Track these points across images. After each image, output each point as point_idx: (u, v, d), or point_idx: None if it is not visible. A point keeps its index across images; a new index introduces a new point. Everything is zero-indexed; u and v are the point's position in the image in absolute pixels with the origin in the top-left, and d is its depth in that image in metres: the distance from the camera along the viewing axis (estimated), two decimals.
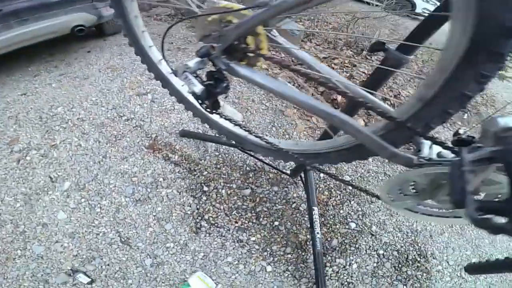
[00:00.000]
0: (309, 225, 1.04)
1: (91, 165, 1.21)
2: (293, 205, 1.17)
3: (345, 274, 0.99)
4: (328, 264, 1.00)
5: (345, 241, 1.07)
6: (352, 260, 1.03)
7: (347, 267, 1.00)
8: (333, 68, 1.68)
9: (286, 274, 0.97)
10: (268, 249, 1.03)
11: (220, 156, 1.29)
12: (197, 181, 1.19)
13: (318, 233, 0.97)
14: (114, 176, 1.17)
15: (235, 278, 0.95)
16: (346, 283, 0.97)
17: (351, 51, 1.97)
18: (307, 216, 1.11)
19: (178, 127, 1.41)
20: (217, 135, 1.29)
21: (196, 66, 0.56)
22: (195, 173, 1.22)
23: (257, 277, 0.96)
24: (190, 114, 1.44)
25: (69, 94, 1.59)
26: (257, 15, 0.49)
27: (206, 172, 1.22)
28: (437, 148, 0.45)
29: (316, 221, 0.99)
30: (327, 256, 1.03)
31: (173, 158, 1.26)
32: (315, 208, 1.02)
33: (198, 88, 0.54)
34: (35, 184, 1.12)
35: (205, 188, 1.17)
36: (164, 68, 0.92)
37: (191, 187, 1.17)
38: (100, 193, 1.11)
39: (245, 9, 0.52)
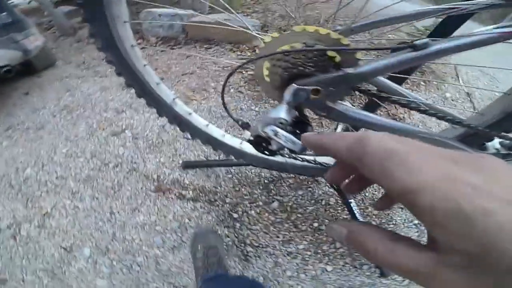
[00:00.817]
0: (345, 216, 1.17)
1: (101, 226, 1.16)
2: (323, 203, 1.26)
3: None
4: None
5: (382, 220, 1.21)
6: None
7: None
8: None
9: (347, 267, 1.08)
10: (319, 251, 1.12)
11: (234, 177, 1.32)
12: (223, 210, 1.21)
13: (358, 214, 1.10)
14: (134, 231, 1.14)
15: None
16: None
17: None
18: (339, 209, 1.22)
19: (177, 160, 1.39)
20: (221, 157, 1.34)
21: (289, 117, 0.47)
22: (217, 203, 1.24)
23: (322, 279, 1.05)
24: (183, 142, 1.45)
25: (30, 150, 1.46)
26: (403, 60, 0.43)
27: (228, 199, 1.25)
28: (495, 142, 0.58)
29: (357, 211, 1.10)
30: None
31: (187, 194, 1.26)
32: (352, 200, 1.13)
33: (298, 145, 0.44)
34: (50, 258, 1.07)
35: (235, 215, 1.20)
36: (184, 110, 0.88)
37: (220, 218, 1.19)
38: (129, 251, 1.08)
39: (385, 49, 0.45)
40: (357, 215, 1.10)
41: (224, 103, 0.63)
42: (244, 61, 0.50)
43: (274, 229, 1.17)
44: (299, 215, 1.22)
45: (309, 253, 1.12)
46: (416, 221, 1.22)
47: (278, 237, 1.15)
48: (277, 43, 0.48)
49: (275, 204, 1.24)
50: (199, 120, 0.93)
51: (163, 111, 0.85)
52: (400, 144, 0.19)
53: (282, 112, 0.47)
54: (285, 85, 0.49)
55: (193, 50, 2.03)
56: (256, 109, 1.60)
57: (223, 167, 1.35)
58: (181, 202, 1.24)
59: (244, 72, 1.77)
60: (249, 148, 1.01)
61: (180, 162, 1.37)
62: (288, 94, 0.48)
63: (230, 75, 0.56)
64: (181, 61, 1.95)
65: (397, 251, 0.19)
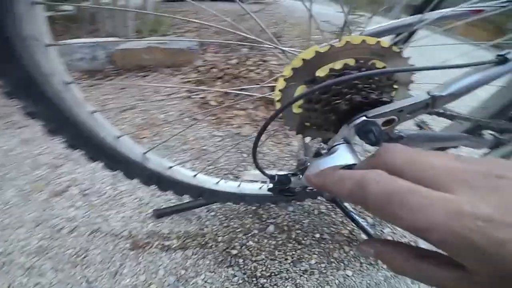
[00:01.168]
0: (341, 220, 1.22)
1: None
2: (316, 212, 1.28)
3: (398, 236, 1.21)
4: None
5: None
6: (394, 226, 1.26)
7: (395, 231, 1.23)
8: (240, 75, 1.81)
9: (365, 267, 1.12)
10: (332, 260, 1.12)
11: (218, 214, 1.24)
12: (219, 250, 1.12)
13: (363, 222, 1.13)
14: None
15: None
16: None
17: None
18: (333, 214, 1.26)
19: (145, 210, 1.24)
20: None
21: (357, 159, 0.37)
22: (210, 244, 1.14)
23: (348, 285, 1.05)
24: (146, 189, 1.30)
25: None
26: (491, 75, 0.42)
27: (220, 237, 1.16)
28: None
29: (355, 214, 1.14)
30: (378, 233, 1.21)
31: (173, 244, 1.13)
32: (346, 204, 1.17)
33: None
34: None
35: (233, 252, 1.12)
36: (162, 164, 0.77)
37: (219, 260, 1.09)
38: None
39: (472, 65, 0.40)
40: (363, 224, 1.15)
41: (257, 165, 0.55)
42: (291, 99, 0.37)
43: (279, 253, 1.13)
44: (298, 231, 1.20)
45: (323, 265, 1.11)
46: None
47: (286, 259, 1.12)
48: (315, 62, 0.40)
49: (271, 227, 1.20)
50: (182, 172, 0.82)
51: (133, 172, 0.69)
52: (400, 180, 0.20)
53: (349, 156, 0.35)
54: (339, 118, 0.40)
55: (127, 81, 1.85)
56: (220, 134, 1.54)
57: (204, 206, 1.25)
58: (168, 253, 1.10)
59: (194, 96, 1.69)
60: (249, 189, 0.98)
61: (150, 211, 1.22)
62: (348, 129, 0.37)
63: (268, 124, 0.38)
64: (117, 95, 1.75)
65: (424, 271, 0.21)
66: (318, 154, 0.42)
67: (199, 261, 1.09)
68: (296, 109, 0.46)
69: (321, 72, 0.41)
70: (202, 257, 1.10)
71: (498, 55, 0.42)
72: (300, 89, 0.43)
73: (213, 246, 1.12)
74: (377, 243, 0.25)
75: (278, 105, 0.45)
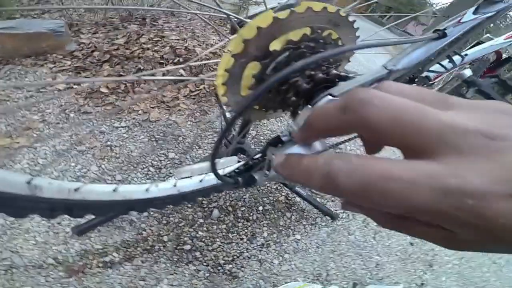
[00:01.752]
0: (275, 187, 1.35)
1: None
2: (250, 189, 1.33)
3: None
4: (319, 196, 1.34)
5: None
6: None
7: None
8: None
9: (307, 228, 1.28)
10: (280, 228, 1.24)
11: (152, 213, 1.14)
12: (170, 250, 1.06)
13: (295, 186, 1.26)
14: None
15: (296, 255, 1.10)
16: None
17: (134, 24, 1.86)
18: (267, 183, 1.34)
19: (62, 231, 1.02)
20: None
21: None
22: (157, 247, 1.06)
23: (302, 248, 1.20)
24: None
25: None
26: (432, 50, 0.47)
27: (165, 237, 1.09)
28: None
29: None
30: (313, 193, 1.36)
31: (114, 258, 0.99)
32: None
33: None
34: None
35: (186, 247, 1.08)
36: (64, 188, 0.58)
37: (174, 259, 1.04)
38: None
39: (415, 41, 0.45)
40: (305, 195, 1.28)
41: (217, 175, 0.42)
42: (250, 100, 0.27)
43: (233, 235, 1.15)
44: (243, 208, 1.24)
45: (275, 235, 1.20)
46: None
47: (242, 239, 1.15)
48: (271, 32, 0.35)
49: (216, 212, 1.19)
50: (97, 190, 0.67)
51: (24, 210, 0.51)
52: (374, 163, 0.18)
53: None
54: (298, 99, 0.37)
55: None
56: (123, 124, 1.36)
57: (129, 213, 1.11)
58: (115, 269, 0.97)
59: (76, 86, 1.41)
60: (189, 185, 0.89)
61: (68, 230, 1.01)
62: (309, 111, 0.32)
63: (230, 125, 0.30)
64: None
65: (409, 229, 0.21)
66: (276, 142, 0.35)
67: (153, 267, 1.00)
68: (244, 91, 0.40)
69: (276, 45, 0.36)
70: (155, 262, 1.01)
71: (437, 30, 0.50)
72: (252, 67, 0.37)
73: (162, 248, 1.05)
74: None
75: (222, 89, 0.39)
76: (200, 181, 0.94)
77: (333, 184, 0.18)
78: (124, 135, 1.34)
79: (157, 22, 1.90)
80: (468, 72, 1.15)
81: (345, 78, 0.35)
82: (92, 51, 1.55)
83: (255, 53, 0.36)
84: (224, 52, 0.37)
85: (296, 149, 0.31)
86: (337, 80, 0.34)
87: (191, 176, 0.98)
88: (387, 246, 1.37)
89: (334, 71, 0.35)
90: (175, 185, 0.84)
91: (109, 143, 1.28)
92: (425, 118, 0.17)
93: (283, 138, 0.33)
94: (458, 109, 0.18)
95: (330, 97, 0.31)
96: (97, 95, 1.42)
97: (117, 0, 1.97)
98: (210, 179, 0.98)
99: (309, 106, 0.31)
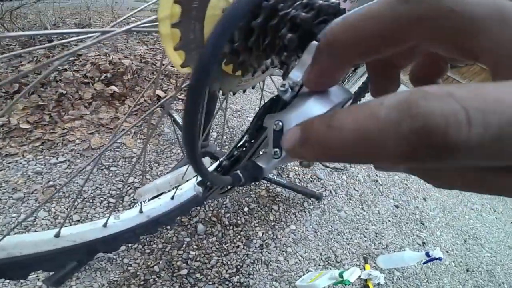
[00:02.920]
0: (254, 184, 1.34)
1: None
2: (231, 194, 1.31)
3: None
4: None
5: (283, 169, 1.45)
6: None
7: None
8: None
9: (298, 215, 1.31)
10: (272, 224, 1.26)
11: (130, 247, 1.05)
12: (167, 279, 1.00)
13: (273, 177, 1.29)
14: None
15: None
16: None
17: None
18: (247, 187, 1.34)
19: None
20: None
21: None
22: (152, 279, 0.99)
23: (299, 237, 1.21)
24: None
25: None
26: None
27: (156, 267, 1.02)
28: None
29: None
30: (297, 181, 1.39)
31: None
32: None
33: None
34: None
35: (183, 272, 1.03)
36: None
37: (177, 287, 0.96)
38: None
39: None
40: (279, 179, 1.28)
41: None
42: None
43: (227, 245, 1.12)
44: (227, 214, 1.23)
45: (270, 232, 1.20)
46: None
47: (238, 246, 1.13)
48: None
49: (201, 226, 1.15)
50: (38, 239, 0.58)
51: None
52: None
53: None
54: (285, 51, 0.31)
55: None
56: (61, 159, 1.23)
57: (101, 255, 1.01)
58: None
59: None
60: (159, 207, 0.83)
61: (40, 284, 0.88)
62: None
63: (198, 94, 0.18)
64: None
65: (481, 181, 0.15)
66: (274, 106, 0.27)
67: None
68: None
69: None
70: None
71: None
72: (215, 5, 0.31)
73: (157, 279, 0.98)
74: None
75: (173, 39, 0.32)
76: (172, 198, 0.88)
77: (439, 141, 0.11)
78: (67, 170, 1.22)
79: (69, 43, 1.78)
80: None
81: (328, 20, 0.29)
82: None
83: None
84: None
85: (309, 108, 0.22)
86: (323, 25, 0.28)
87: (158, 195, 0.92)
88: (377, 213, 1.46)
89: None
90: (141, 211, 0.78)
91: (51, 182, 1.15)
92: None
93: (285, 96, 0.23)
94: None
95: (315, 42, 0.22)
96: (18, 133, 1.27)
97: (9, 26, 1.80)
98: (184, 193, 0.93)
99: (315, 42, 0.22)
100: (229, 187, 0.38)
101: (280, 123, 0.22)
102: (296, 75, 0.22)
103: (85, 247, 0.62)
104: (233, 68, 0.35)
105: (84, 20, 2.04)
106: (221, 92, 0.39)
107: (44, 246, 0.57)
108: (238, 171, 0.27)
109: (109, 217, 0.69)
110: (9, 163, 1.18)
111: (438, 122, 0.11)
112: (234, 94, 0.42)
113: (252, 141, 0.32)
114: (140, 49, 1.89)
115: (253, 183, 1.32)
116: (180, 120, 1.44)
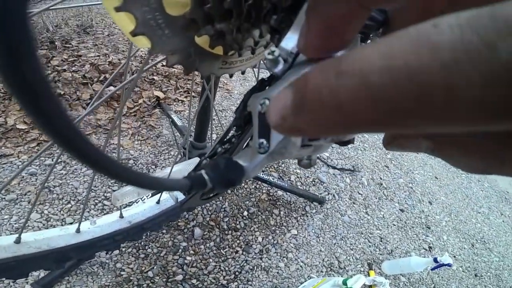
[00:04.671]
0: (254, 186, 1.31)
1: None
2: (228, 190, 1.26)
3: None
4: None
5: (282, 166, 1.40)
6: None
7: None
8: None
9: (300, 220, 1.27)
10: (273, 228, 1.20)
11: (124, 249, 1.01)
12: (162, 285, 0.95)
13: (274, 180, 1.25)
14: None
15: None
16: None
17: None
18: (244, 185, 1.29)
19: None
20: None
21: None
22: (145, 285, 0.94)
23: (301, 242, 1.15)
24: None
25: None
26: None
27: (150, 272, 0.97)
28: None
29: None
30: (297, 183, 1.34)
31: None
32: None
33: None
34: None
35: (178, 278, 0.97)
36: None
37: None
38: None
39: None
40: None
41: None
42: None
43: (225, 250, 1.07)
44: (226, 218, 1.18)
45: (270, 237, 1.15)
46: None
47: (237, 252, 1.08)
48: None
49: (198, 231, 1.10)
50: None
51: None
52: None
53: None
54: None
55: None
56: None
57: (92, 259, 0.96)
58: None
59: None
60: (143, 212, 0.77)
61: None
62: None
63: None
64: None
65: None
66: (264, 84, 0.24)
67: None
68: (176, 8, 0.27)
69: None
70: None
71: None
72: None
73: (150, 284, 0.93)
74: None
75: (122, 20, 0.26)
76: (158, 202, 0.82)
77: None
78: (62, 171, 1.18)
79: (70, 44, 1.75)
80: None
81: None
82: None
83: None
84: None
85: None
86: None
87: (140, 199, 0.85)
88: (382, 217, 1.40)
89: None
90: (121, 217, 0.73)
91: (45, 184, 1.11)
92: None
93: (277, 70, 0.18)
94: None
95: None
96: (14, 134, 1.23)
97: None
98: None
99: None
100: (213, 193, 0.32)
101: (267, 102, 0.16)
102: (290, 40, 0.17)
103: (54, 255, 0.57)
104: (210, 42, 0.27)
105: (86, 21, 2.00)
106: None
107: (1, 253, 0.51)
108: (202, 172, 0.19)
109: (80, 222, 0.63)
110: (4, 163, 1.14)
111: None
112: (218, 78, 0.36)
113: (240, 132, 0.25)
114: (141, 50, 1.85)
115: (232, 188, 1.22)
116: (179, 122, 1.39)
